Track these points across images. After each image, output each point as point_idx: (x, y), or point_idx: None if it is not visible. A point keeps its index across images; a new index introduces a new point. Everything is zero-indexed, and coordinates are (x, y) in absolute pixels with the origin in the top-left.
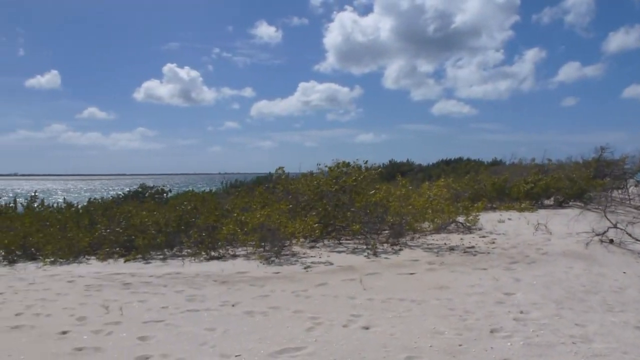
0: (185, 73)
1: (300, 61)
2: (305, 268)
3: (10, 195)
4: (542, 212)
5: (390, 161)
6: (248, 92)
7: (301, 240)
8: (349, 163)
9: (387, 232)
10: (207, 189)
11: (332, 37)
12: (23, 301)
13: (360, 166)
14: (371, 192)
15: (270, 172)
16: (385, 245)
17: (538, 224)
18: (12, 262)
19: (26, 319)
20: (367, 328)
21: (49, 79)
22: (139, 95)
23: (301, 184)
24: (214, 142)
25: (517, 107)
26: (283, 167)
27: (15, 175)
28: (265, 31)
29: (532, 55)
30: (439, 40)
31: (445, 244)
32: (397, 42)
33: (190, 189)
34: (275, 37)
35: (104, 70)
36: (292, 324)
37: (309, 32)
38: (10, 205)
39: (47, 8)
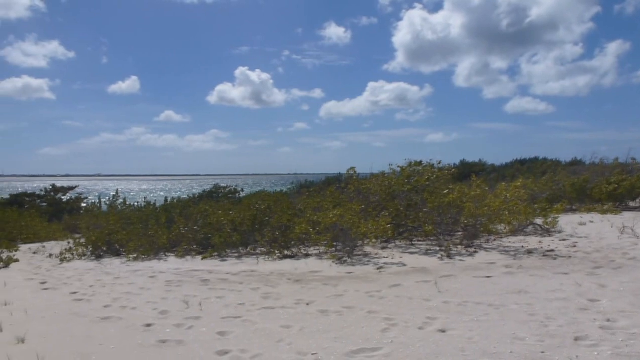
0: (256, 76)
1: (369, 61)
2: (378, 269)
3: (96, 194)
4: (627, 214)
5: (461, 161)
6: (317, 93)
7: (373, 240)
8: (421, 162)
9: (460, 233)
10: (278, 189)
11: (402, 35)
12: (110, 294)
13: (433, 165)
14: (444, 192)
15: (340, 173)
16: (459, 247)
17: (623, 227)
18: (99, 257)
19: (114, 311)
20: (443, 331)
21: (130, 84)
22: (212, 98)
23: (373, 184)
24: (284, 142)
25: (598, 103)
26: (354, 167)
27: (99, 175)
28: (334, 32)
29: (614, 48)
30: (513, 36)
31: (522, 246)
32: (468, 38)
33: (262, 189)
34: (344, 38)
35: (180, 75)
36: (367, 324)
37: (378, 31)
38: (96, 204)
39: (128, 18)
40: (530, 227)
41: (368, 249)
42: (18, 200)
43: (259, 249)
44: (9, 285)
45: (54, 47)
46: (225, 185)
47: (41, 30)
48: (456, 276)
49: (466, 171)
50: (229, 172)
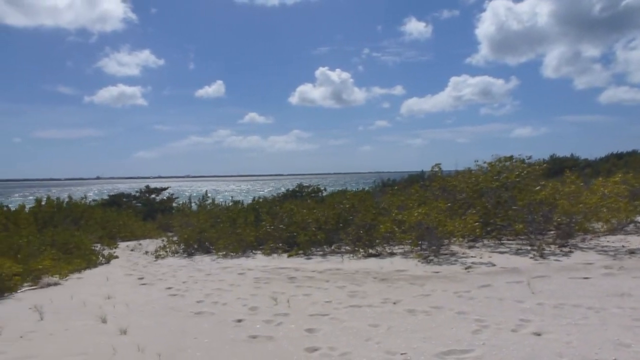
0: (337, 75)
1: (451, 55)
2: (466, 268)
3: (186, 194)
4: None
5: (551, 156)
6: (398, 90)
7: (460, 239)
8: (512, 157)
9: (553, 232)
10: (360, 188)
11: (485, 27)
12: (202, 290)
13: (524, 161)
14: (536, 189)
15: (422, 170)
16: (552, 246)
17: None
18: (190, 254)
19: (206, 306)
20: (538, 334)
21: (215, 88)
22: (293, 99)
23: (459, 181)
24: (365, 141)
25: None
26: (439, 164)
27: (188, 177)
28: (415, 27)
29: None
30: (607, 21)
31: (623, 246)
32: (557, 26)
33: (344, 188)
34: (424, 33)
35: (262, 78)
36: (457, 325)
37: (460, 24)
38: (186, 203)
39: (212, 24)
40: (631, 226)
41: (455, 247)
42: (116, 201)
43: (344, 247)
44: (111, 280)
45: (145, 56)
46: (308, 184)
47: (134, 40)
48: (550, 277)
49: (557, 167)
50: (311, 172)
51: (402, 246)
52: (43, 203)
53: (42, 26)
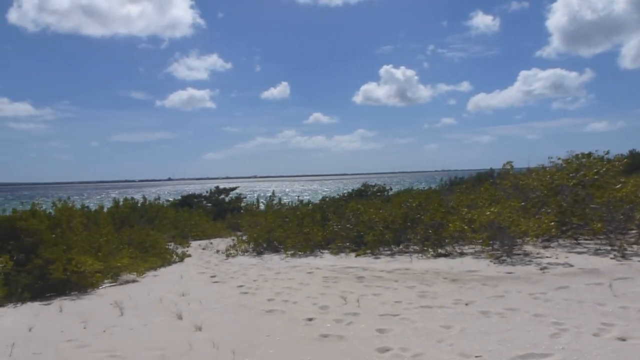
0: (401, 73)
1: (520, 48)
2: (541, 269)
3: (254, 194)
4: None
5: (630, 151)
6: (464, 86)
7: (534, 239)
8: (590, 154)
9: (635, 231)
10: (426, 187)
11: (556, 18)
12: (272, 288)
13: (603, 157)
14: (617, 186)
15: (491, 168)
16: (635, 246)
17: None
18: (260, 253)
19: (277, 304)
20: (623, 339)
21: (280, 90)
22: (357, 98)
23: (532, 178)
24: (430, 139)
25: None
26: (511, 162)
27: (255, 177)
28: (482, 21)
29: None
30: None
31: None
32: (636, 13)
33: (410, 186)
34: (492, 26)
35: (326, 78)
36: (533, 328)
37: (529, 16)
38: (254, 203)
39: (277, 27)
40: None
41: (528, 247)
42: (187, 201)
43: (412, 246)
44: (185, 278)
45: (214, 60)
46: (373, 183)
47: (202, 45)
48: (634, 279)
49: (637, 162)
50: (375, 171)
51: (473, 246)
52: (120, 204)
53: (117, 35)
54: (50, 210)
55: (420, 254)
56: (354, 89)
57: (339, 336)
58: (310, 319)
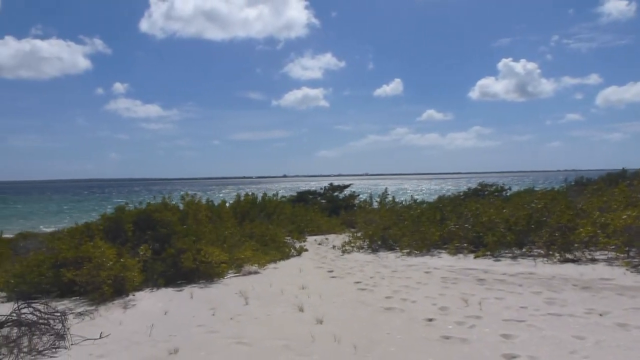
0: (521, 66)
1: None
2: None
3: (367, 192)
4: None
5: None
6: (593, 79)
7: None
8: None
9: None
10: (549, 187)
11: None
12: (390, 286)
13: None
14: None
15: (623, 168)
16: None
17: None
18: (374, 250)
19: (395, 303)
20: None
21: (393, 87)
22: (473, 94)
23: None
24: (553, 136)
25: None
26: None
27: (366, 175)
28: (614, 7)
29: None
30: None
31: None
32: None
33: (530, 186)
34: (626, 12)
35: (440, 74)
36: None
37: None
38: (367, 201)
39: (390, 23)
40: None
41: None
42: (303, 197)
43: (535, 250)
44: (303, 272)
45: (327, 59)
46: (491, 183)
47: (316, 44)
48: None
49: None
50: (492, 170)
51: (605, 252)
52: (241, 199)
53: (235, 38)
54: (179, 204)
55: (545, 258)
56: (470, 85)
57: (462, 339)
58: (431, 320)
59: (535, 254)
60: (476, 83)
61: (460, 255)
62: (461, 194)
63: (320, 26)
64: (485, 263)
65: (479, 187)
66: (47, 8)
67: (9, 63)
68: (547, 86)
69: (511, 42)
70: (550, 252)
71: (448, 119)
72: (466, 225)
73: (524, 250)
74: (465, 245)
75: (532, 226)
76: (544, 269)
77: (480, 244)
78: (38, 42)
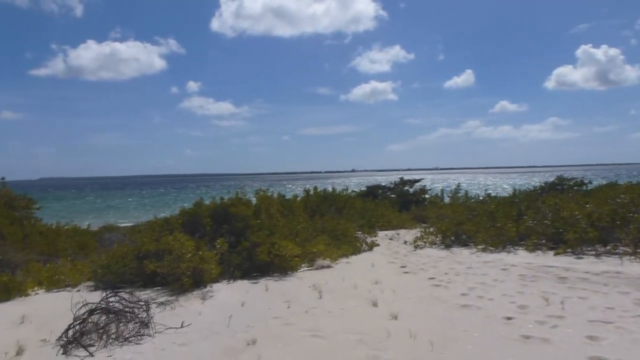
0: (602, 53)
1: None
2: None
3: (438, 186)
4: None
5: None
6: None
7: None
8: None
9: None
10: (635, 181)
11: None
12: (465, 283)
13: None
14: None
15: None
16: None
17: None
18: (448, 246)
19: (471, 300)
20: None
21: (464, 78)
22: (550, 83)
23: None
24: (638, 127)
25: None
26: None
27: (436, 169)
28: None
29: None
30: None
31: None
32: None
33: (613, 180)
34: None
35: (514, 64)
36: None
37: None
38: (438, 195)
39: (461, 13)
40: None
41: None
42: (372, 192)
43: (621, 248)
44: (376, 267)
45: (396, 52)
46: (569, 176)
47: (384, 37)
48: None
49: None
50: (569, 163)
51: None
52: (311, 193)
53: (304, 34)
54: (253, 198)
55: (632, 257)
56: (546, 74)
57: (544, 339)
58: (510, 318)
59: (621, 251)
60: (552, 72)
61: (539, 252)
62: (537, 188)
63: (389, 18)
64: (565, 261)
65: (557, 181)
66: (124, 12)
67: (90, 65)
68: (631, 73)
69: (590, 28)
70: (638, 251)
71: (522, 110)
72: (545, 220)
73: (608, 247)
74: (543, 241)
75: (617, 222)
76: (631, 268)
77: (560, 240)
78: (117, 45)
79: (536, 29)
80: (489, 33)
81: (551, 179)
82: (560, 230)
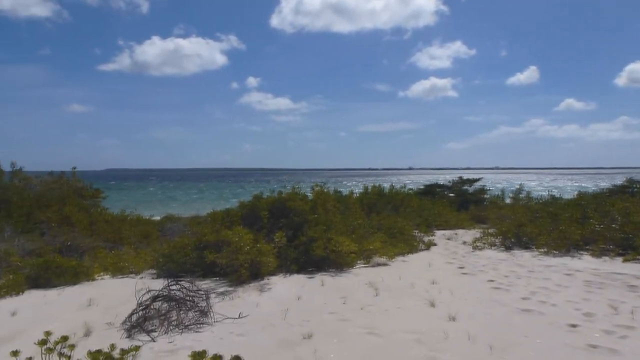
0: None
1: None
2: None
3: (497, 186)
4: None
5: None
6: None
7: None
8: None
9: None
10: None
11: None
12: (526, 287)
13: None
14: None
15: None
16: None
17: None
18: (508, 248)
19: (533, 305)
20: None
21: (528, 75)
22: (621, 80)
23: None
24: None
25: None
26: None
27: (497, 168)
28: None
29: None
30: None
31: None
32: None
33: None
34: None
35: (581, 60)
36: None
37: None
38: (499, 195)
39: (526, 8)
40: None
41: None
42: (430, 190)
43: None
44: (433, 266)
45: (457, 47)
46: None
47: (445, 33)
48: None
49: None
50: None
51: None
52: (368, 191)
53: (363, 30)
54: (309, 194)
55: None
56: (616, 70)
57: (611, 349)
58: (574, 326)
59: None
60: (624, 68)
61: (606, 258)
62: (605, 190)
63: (450, 13)
64: (636, 268)
65: (627, 184)
66: (187, 8)
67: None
68: None
69: None
70: None
71: (590, 109)
72: (613, 225)
73: None
74: (611, 247)
75: None
76: None
77: (629, 246)
78: (180, 41)
79: (606, 23)
80: (554, 28)
81: (620, 181)
82: (630, 235)
